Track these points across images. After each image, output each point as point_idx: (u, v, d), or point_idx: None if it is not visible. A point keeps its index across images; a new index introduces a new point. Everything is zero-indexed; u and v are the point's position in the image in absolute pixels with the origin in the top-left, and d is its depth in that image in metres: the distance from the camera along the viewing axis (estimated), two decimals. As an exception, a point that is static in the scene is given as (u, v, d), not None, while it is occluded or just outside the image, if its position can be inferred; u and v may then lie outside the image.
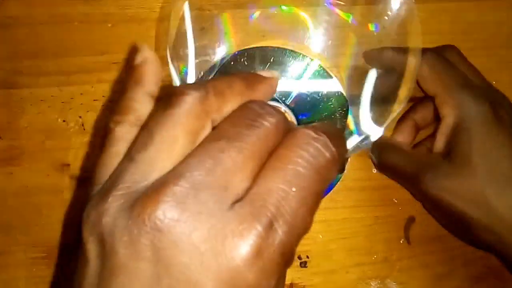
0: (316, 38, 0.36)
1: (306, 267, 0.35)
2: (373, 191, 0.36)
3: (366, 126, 0.32)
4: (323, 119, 0.36)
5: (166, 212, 0.17)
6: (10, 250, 0.34)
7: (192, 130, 0.19)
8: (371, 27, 0.34)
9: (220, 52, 0.36)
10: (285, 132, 0.20)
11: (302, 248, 0.35)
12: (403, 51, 0.31)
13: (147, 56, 0.23)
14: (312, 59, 0.37)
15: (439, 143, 0.32)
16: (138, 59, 0.23)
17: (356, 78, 0.35)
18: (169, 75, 0.31)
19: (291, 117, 0.36)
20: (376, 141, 0.32)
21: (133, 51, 0.24)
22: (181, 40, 0.31)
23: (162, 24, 0.37)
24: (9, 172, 0.34)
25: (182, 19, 0.30)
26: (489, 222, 0.30)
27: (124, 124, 0.22)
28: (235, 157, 0.18)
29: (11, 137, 0.35)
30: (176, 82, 0.29)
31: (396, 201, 0.36)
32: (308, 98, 0.36)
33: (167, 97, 0.20)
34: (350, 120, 0.34)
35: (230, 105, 0.21)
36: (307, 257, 0.35)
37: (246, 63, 0.36)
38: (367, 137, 0.31)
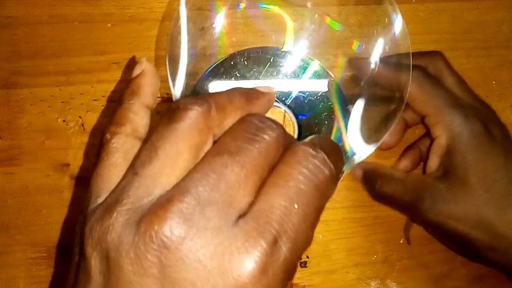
0: (315, 38, 0.36)
1: (306, 267, 0.35)
2: (373, 191, 0.36)
3: (357, 146, 0.32)
4: (323, 119, 0.36)
5: (173, 229, 0.17)
6: (10, 250, 0.34)
7: (196, 145, 0.20)
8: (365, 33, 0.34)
9: (220, 53, 0.36)
10: (285, 146, 0.20)
11: (302, 248, 0.35)
12: (392, 66, 0.31)
13: (145, 68, 0.23)
14: (312, 59, 0.37)
15: (432, 163, 0.32)
16: (136, 71, 0.23)
17: (356, 78, 0.35)
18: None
19: (291, 117, 0.36)
20: (367, 172, 0.33)
21: (132, 63, 0.25)
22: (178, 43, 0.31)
23: (164, 24, 0.37)
24: (9, 172, 0.34)
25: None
26: (492, 241, 0.30)
27: (120, 135, 0.22)
28: (238, 172, 0.18)
29: (11, 137, 0.35)
30: (172, 87, 0.29)
31: (396, 201, 0.36)
32: (308, 98, 0.36)
33: (170, 111, 0.20)
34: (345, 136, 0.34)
35: (230, 120, 0.21)
36: (307, 257, 0.35)
37: (246, 63, 0.36)
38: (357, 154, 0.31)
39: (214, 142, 0.21)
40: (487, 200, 0.30)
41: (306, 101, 0.36)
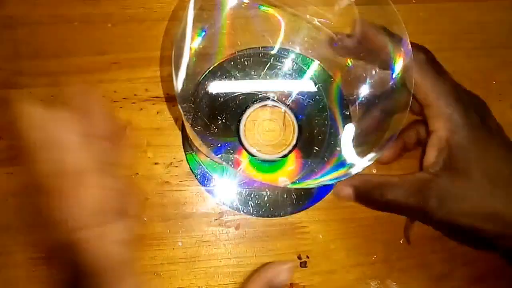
0: (315, 39, 0.36)
1: (306, 267, 0.35)
2: (373, 191, 0.36)
3: (351, 159, 0.32)
4: (322, 119, 0.36)
5: None
6: (10, 250, 0.34)
7: None
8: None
9: (221, 53, 0.36)
10: None
11: (302, 248, 0.35)
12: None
13: None
14: (312, 60, 0.37)
15: (431, 156, 0.32)
16: None
17: (355, 78, 0.35)
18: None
19: (291, 117, 0.36)
20: (359, 186, 0.32)
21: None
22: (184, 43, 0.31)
23: (163, 24, 0.37)
24: (9, 172, 0.34)
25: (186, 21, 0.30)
26: (502, 230, 0.30)
27: None
28: None
29: (11, 137, 0.35)
30: (176, 86, 0.29)
31: (396, 201, 0.36)
32: (308, 99, 0.36)
33: None
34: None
35: None
36: (307, 257, 0.35)
37: (246, 63, 0.36)
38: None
39: None
40: (491, 190, 0.30)
41: (306, 102, 0.36)
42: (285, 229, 0.35)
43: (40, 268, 0.33)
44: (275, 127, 0.36)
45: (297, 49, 0.36)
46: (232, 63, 0.36)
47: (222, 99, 0.35)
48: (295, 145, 0.35)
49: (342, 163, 0.32)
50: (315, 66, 0.36)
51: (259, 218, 0.35)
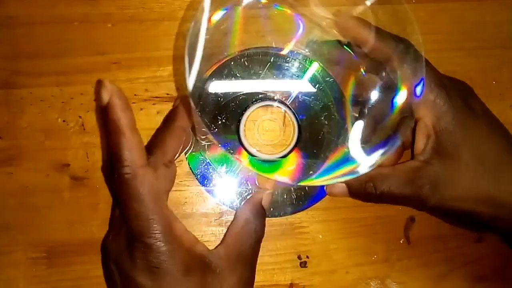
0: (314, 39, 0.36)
1: (306, 267, 0.35)
2: (373, 191, 0.36)
3: (359, 158, 0.31)
4: (322, 119, 0.36)
5: None
6: (10, 250, 0.34)
7: None
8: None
9: (221, 52, 0.36)
10: None
11: (302, 248, 0.35)
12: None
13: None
14: (312, 60, 0.37)
15: (420, 144, 0.32)
16: (104, 96, 0.26)
17: (347, 75, 0.35)
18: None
19: (291, 117, 0.36)
20: (352, 183, 0.32)
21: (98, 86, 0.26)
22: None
23: (163, 24, 0.37)
24: (9, 172, 0.34)
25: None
26: (494, 211, 0.30)
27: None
28: None
29: (11, 137, 0.35)
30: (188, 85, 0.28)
31: (396, 201, 0.36)
32: (308, 99, 0.36)
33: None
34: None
35: None
36: (307, 257, 0.35)
37: (246, 63, 0.36)
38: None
39: None
40: (482, 172, 0.30)
41: (306, 102, 0.36)
42: (285, 229, 0.35)
43: (40, 268, 0.33)
44: (275, 127, 0.36)
45: (298, 50, 0.36)
46: (232, 63, 0.36)
47: (222, 99, 0.35)
48: (295, 145, 0.35)
49: (347, 161, 0.32)
50: (315, 66, 0.36)
51: (259, 218, 0.34)
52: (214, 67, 0.35)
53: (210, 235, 0.34)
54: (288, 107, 0.36)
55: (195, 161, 0.35)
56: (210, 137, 0.27)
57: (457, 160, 0.30)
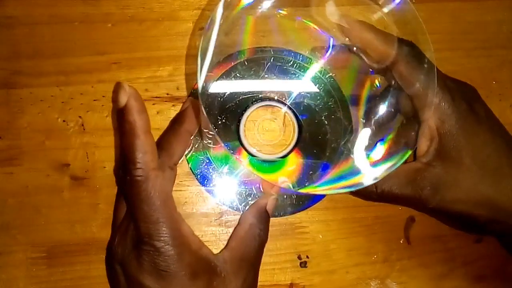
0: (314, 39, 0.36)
1: (306, 267, 0.35)
2: (373, 191, 0.36)
3: (364, 168, 0.31)
4: (322, 119, 0.36)
5: None
6: (10, 250, 0.34)
7: None
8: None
9: (221, 52, 0.36)
10: None
11: (302, 248, 0.35)
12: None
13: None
14: (312, 60, 0.37)
15: (423, 146, 0.32)
16: (122, 98, 0.26)
17: (359, 81, 0.35)
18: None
19: (291, 117, 0.36)
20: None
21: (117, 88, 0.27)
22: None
23: (163, 24, 0.37)
24: (9, 172, 0.34)
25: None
26: (493, 214, 0.31)
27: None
28: None
29: (11, 137, 0.35)
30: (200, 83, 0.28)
31: (396, 201, 0.36)
32: (308, 99, 0.36)
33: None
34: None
35: None
36: (307, 257, 0.35)
37: (246, 63, 0.36)
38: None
39: None
40: (482, 176, 0.30)
41: (306, 102, 0.36)
42: (285, 229, 0.35)
43: (40, 268, 0.33)
44: (275, 127, 0.36)
45: (298, 50, 0.36)
46: (232, 63, 0.36)
47: (222, 99, 0.35)
48: (295, 145, 0.35)
49: (354, 171, 0.31)
50: (316, 66, 0.36)
51: (259, 218, 0.34)
52: (214, 67, 0.35)
53: (210, 235, 0.34)
54: (288, 107, 0.36)
55: (195, 161, 0.35)
56: (217, 138, 0.27)
57: (459, 163, 0.30)
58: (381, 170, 0.29)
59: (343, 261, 0.35)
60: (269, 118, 0.36)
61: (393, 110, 0.32)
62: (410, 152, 0.28)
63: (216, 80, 0.35)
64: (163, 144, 0.31)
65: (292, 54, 0.36)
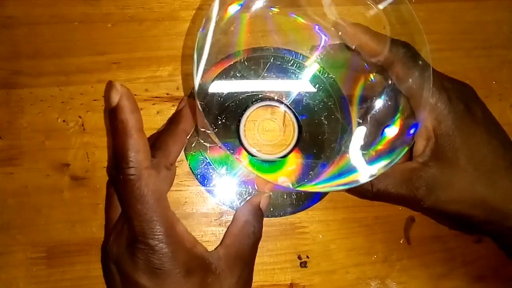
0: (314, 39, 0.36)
1: (306, 267, 0.35)
2: (373, 191, 0.36)
3: (360, 167, 0.32)
4: (322, 119, 0.36)
5: None
6: (10, 250, 0.34)
7: None
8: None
9: (221, 52, 0.36)
10: None
11: (302, 248, 0.35)
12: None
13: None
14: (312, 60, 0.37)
15: (419, 146, 0.32)
16: (114, 97, 0.26)
17: (355, 79, 0.35)
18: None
19: (291, 117, 0.36)
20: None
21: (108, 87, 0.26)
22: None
23: (163, 24, 0.37)
24: (9, 172, 0.34)
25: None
26: (487, 215, 0.31)
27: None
28: None
29: (11, 137, 0.35)
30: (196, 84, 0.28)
31: (396, 201, 0.36)
32: (308, 99, 0.36)
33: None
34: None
35: None
36: (307, 257, 0.35)
37: (246, 63, 0.36)
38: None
39: None
40: (477, 177, 0.30)
41: (306, 102, 0.36)
42: (285, 229, 0.35)
43: (40, 268, 0.33)
44: (275, 127, 0.36)
45: (298, 50, 0.36)
46: (232, 63, 0.36)
47: (221, 99, 0.35)
48: (295, 145, 0.35)
49: (350, 169, 0.32)
50: (315, 66, 0.36)
51: (259, 218, 0.34)
52: (214, 67, 0.35)
53: (210, 235, 0.34)
54: (288, 107, 0.36)
55: (195, 161, 0.35)
56: (214, 138, 0.27)
57: (455, 164, 0.30)
58: (377, 168, 0.29)
59: (343, 261, 0.35)
60: (269, 118, 0.36)
61: (390, 109, 0.32)
62: (406, 149, 0.28)
63: (216, 80, 0.35)
64: (159, 143, 0.31)
65: (292, 53, 0.36)
